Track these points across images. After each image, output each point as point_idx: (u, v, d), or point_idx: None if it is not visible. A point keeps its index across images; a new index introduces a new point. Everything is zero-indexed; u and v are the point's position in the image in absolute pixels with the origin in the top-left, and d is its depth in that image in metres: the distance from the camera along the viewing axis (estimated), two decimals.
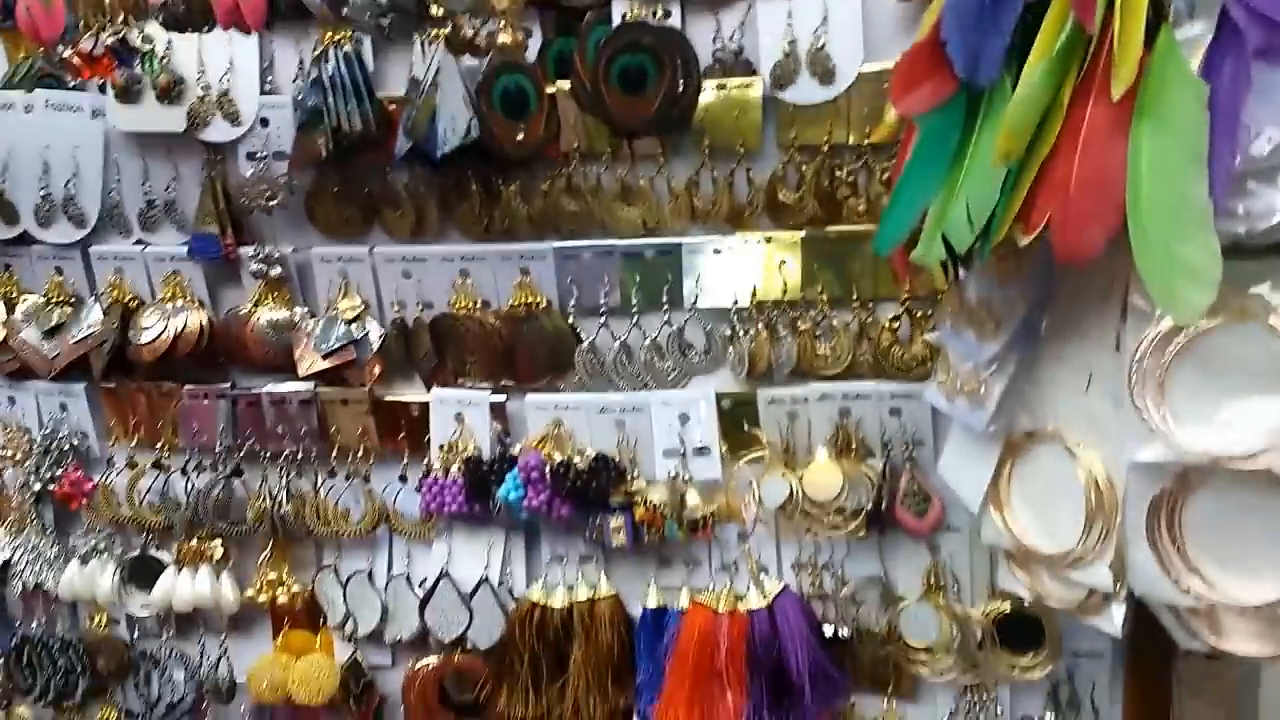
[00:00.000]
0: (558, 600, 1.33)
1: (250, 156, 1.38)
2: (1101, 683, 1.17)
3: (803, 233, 1.21)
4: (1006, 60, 0.81)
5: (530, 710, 1.32)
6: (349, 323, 1.36)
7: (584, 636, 1.31)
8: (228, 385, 1.45)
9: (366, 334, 1.36)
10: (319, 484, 1.42)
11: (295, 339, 1.39)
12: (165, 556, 1.50)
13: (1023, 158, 0.80)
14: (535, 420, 1.34)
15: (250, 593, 1.45)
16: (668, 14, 1.20)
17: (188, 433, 1.46)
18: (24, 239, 1.49)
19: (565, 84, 1.23)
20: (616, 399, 1.30)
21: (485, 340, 1.33)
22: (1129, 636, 1.13)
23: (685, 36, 1.19)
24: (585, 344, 1.31)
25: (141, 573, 1.51)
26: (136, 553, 1.51)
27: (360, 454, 1.40)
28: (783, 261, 1.21)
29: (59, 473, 1.51)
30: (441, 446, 1.36)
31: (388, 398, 1.39)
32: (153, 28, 1.36)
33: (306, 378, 1.38)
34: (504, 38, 1.22)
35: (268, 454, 1.44)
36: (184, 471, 1.47)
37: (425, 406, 1.37)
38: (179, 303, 1.44)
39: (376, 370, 1.37)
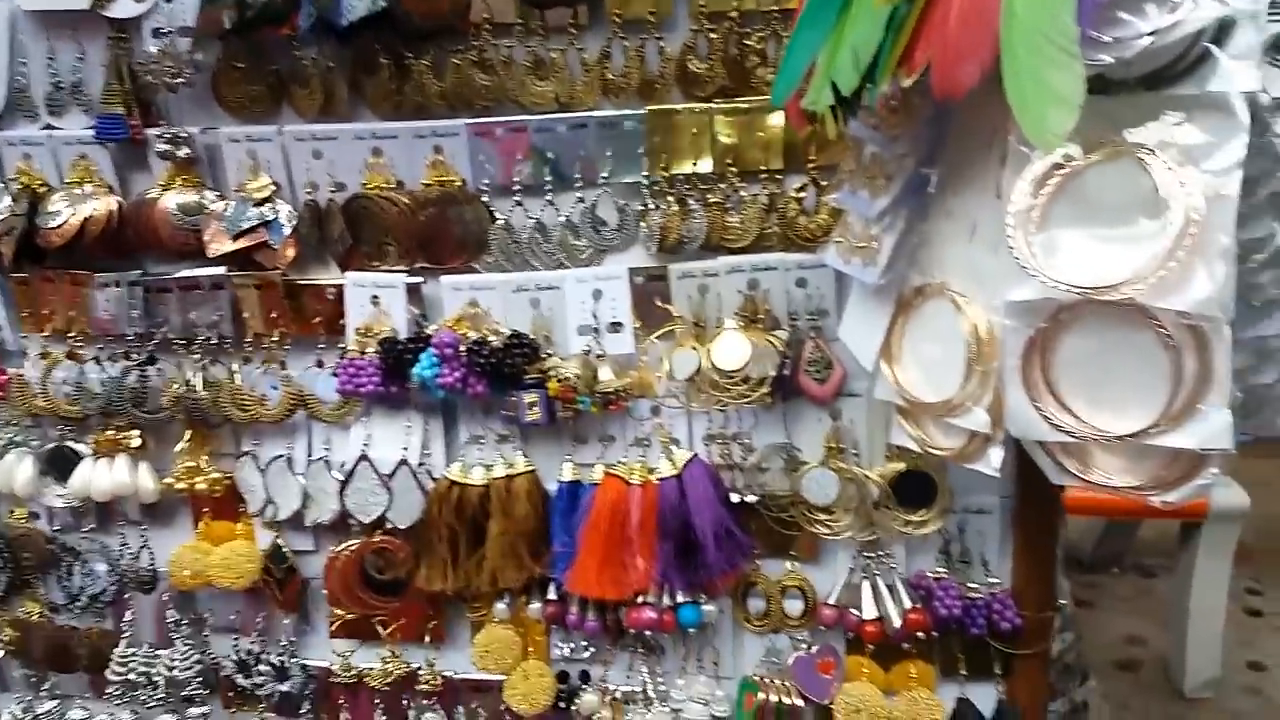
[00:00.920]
0: (476, 478, 1.34)
1: (156, 33, 1.34)
2: (991, 537, 1.22)
3: (713, 104, 1.21)
4: None
5: (449, 583, 1.34)
6: (259, 204, 1.35)
7: (501, 511, 1.33)
8: (139, 272, 1.43)
9: (278, 216, 1.35)
10: (234, 370, 1.42)
11: (205, 222, 1.37)
12: (83, 448, 1.49)
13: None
14: (452, 302, 1.34)
15: (169, 481, 1.45)
16: None
17: (99, 322, 1.44)
18: None
19: None
20: (531, 278, 1.31)
21: (400, 222, 1.32)
22: (1017, 494, 1.18)
23: None
24: (500, 223, 1.31)
25: (59, 464, 1.50)
26: (54, 444, 1.50)
27: (275, 339, 1.40)
28: (694, 133, 1.22)
29: None
30: (357, 330, 1.36)
31: (302, 281, 1.38)
32: None
33: (217, 260, 1.37)
34: None
35: (182, 341, 1.42)
36: (98, 361, 1.45)
37: (340, 290, 1.37)
38: (87, 188, 1.41)
39: (290, 253, 1.36)
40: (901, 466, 1.20)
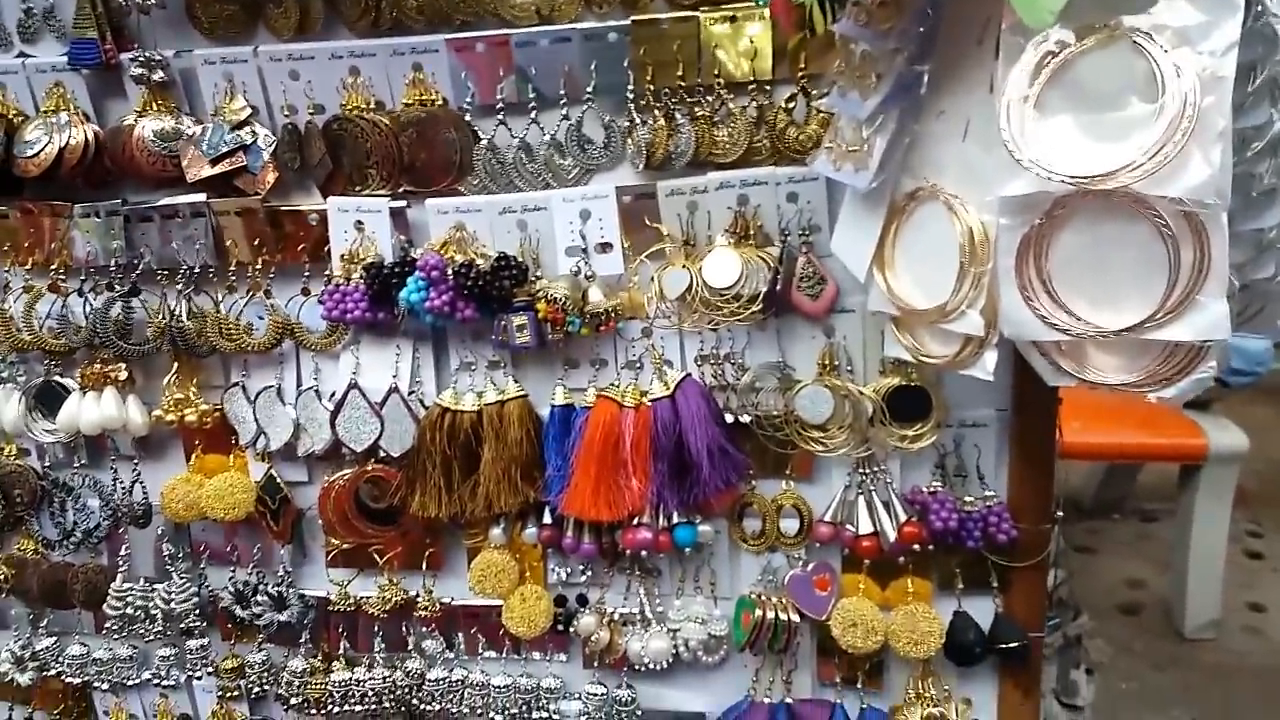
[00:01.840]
0: (468, 404, 1.33)
1: None
2: (987, 450, 1.21)
3: (699, 11, 1.18)
4: None
5: (443, 509, 1.34)
6: (237, 128, 1.31)
7: (494, 436, 1.32)
8: (119, 201, 1.40)
9: (256, 140, 1.32)
10: (219, 300, 1.40)
11: (183, 148, 1.34)
12: (70, 382, 1.48)
13: None
14: (437, 225, 1.31)
15: (158, 413, 1.44)
16: None
17: (81, 253, 1.42)
18: None
19: None
20: (518, 199, 1.29)
21: (381, 144, 1.29)
22: (1013, 405, 1.17)
23: None
24: (484, 143, 1.28)
25: (48, 399, 1.48)
26: (41, 379, 1.48)
27: (259, 267, 1.38)
28: (679, 43, 1.19)
29: None
30: (342, 256, 1.34)
31: (284, 208, 1.36)
32: None
33: (196, 187, 1.34)
34: None
35: (165, 271, 1.40)
36: (80, 293, 1.43)
37: (324, 215, 1.34)
38: (64, 116, 1.38)
39: (270, 178, 1.33)
40: (896, 381, 1.19)
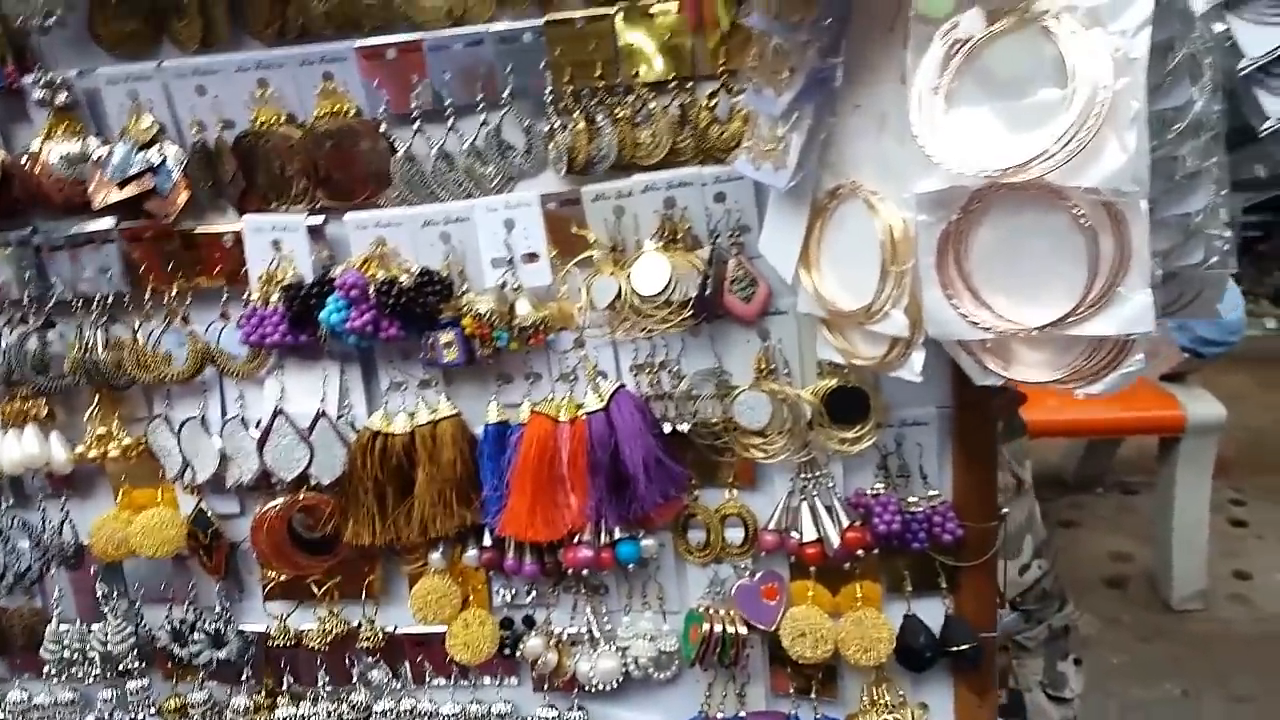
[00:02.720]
0: (399, 426, 1.29)
1: None
2: (929, 449, 1.18)
3: (614, 9, 1.13)
4: None
5: (378, 537, 1.29)
6: (144, 147, 1.26)
7: (427, 459, 1.27)
8: (28, 231, 1.35)
9: (165, 160, 1.26)
10: (136, 329, 1.34)
11: (89, 172, 1.28)
12: None
13: None
14: (358, 241, 1.27)
15: (81, 449, 1.38)
16: None
17: None
18: None
19: None
20: (440, 210, 1.24)
21: (294, 158, 1.25)
22: (953, 402, 1.14)
23: None
24: (401, 153, 1.23)
25: None
26: None
27: (175, 293, 1.32)
28: (595, 42, 1.14)
29: None
30: (260, 277, 1.29)
31: (198, 229, 1.31)
32: None
33: (104, 213, 1.28)
34: None
35: (79, 302, 1.35)
36: None
37: (239, 235, 1.29)
38: None
39: (181, 200, 1.28)
40: (833, 383, 1.15)
